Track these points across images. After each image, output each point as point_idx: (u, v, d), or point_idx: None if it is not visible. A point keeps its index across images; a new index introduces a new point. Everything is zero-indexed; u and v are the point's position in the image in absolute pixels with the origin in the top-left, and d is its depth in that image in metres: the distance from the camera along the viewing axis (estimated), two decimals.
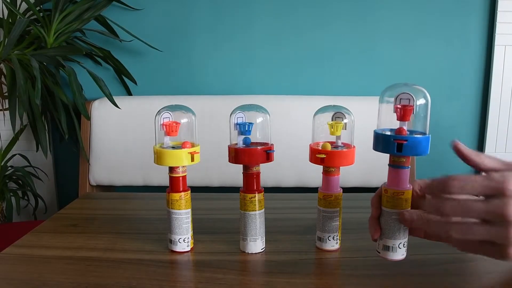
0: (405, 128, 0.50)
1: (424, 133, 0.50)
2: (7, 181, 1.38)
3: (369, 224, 0.53)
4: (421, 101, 0.49)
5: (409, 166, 0.50)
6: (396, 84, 0.51)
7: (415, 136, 0.48)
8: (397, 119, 0.50)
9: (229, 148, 0.59)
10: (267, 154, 0.58)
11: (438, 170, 1.40)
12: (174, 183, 0.60)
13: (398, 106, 0.49)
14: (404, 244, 0.51)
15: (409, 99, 0.49)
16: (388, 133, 0.51)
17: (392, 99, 0.50)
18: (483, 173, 0.44)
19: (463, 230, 0.42)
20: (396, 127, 0.51)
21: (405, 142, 0.48)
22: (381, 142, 0.50)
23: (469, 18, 1.34)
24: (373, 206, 0.53)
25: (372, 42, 1.36)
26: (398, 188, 0.50)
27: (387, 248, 0.52)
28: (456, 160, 1.50)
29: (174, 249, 0.61)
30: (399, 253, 0.52)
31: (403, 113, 0.49)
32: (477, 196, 0.42)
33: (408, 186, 0.50)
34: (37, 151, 1.41)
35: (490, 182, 0.41)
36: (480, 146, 1.40)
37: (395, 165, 0.50)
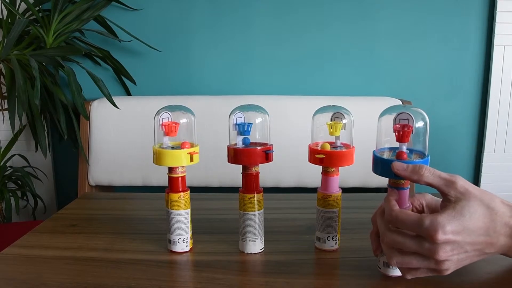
0: (404, 149, 0.50)
1: (423, 153, 0.50)
2: (6, 181, 1.37)
3: (371, 240, 0.53)
4: (420, 123, 0.49)
5: (409, 187, 0.50)
6: (395, 105, 0.51)
7: (413, 160, 0.48)
8: (396, 140, 0.50)
9: (228, 148, 0.59)
10: (266, 154, 0.58)
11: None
12: (173, 183, 0.60)
13: (397, 126, 0.49)
14: None
15: (408, 119, 0.49)
16: (387, 153, 0.51)
17: (391, 119, 0.50)
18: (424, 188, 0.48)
19: (404, 262, 0.46)
20: (395, 146, 0.51)
21: None
22: (380, 166, 0.50)
23: (469, 18, 1.34)
24: (374, 223, 0.53)
25: (372, 42, 1.36)
26: None
27: (387, 264, 0.52)
28: (456, 160, 1.50)
29: (173, 249, 0.61)
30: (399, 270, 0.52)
31: (402, 134, 0.49)
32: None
33: (408, 205, 0.51)
34: (36, 152, 1.41)
35: (421, 230, 0.43)
36: (479, 146, 1.41)
37: (394, 187, 0.50)
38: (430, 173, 0.46)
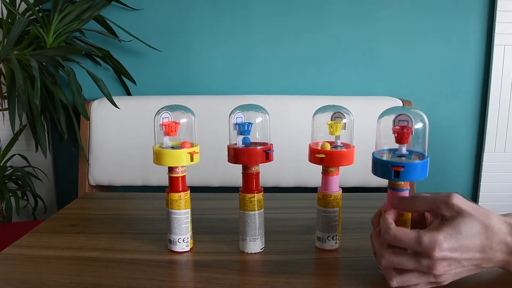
0: (404, 151, 0.50)
1: (422, 154, 0.50)
2: (7, 181, 1.37)
3: (371, 241, 0.53)
4: (419, 125, 0.49)
5: (408, 189, 0.51)
6: (394, 107, 0.51)
7: (412, 162, 0.48)
8: (396, 142, 0.50)
9: (229, 148, 0.59)
10: (267, 154, 0.58)
11: (438, 170, 1.40)
12: (174, 183, 0.60)
13: (397, 127, 0.49)
14: None
15: (407, 121, 0.49)
16: (386, 155, 0.51)
17: (390, 120, 0.50)
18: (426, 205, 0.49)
19: (404, 281, 0.46)
20: (394, 147, 0.51)
21: (402, 169, 0.48)
22: (379, 167, 0.50)
23: (469, 18, 1.34)
24: (374, 225, 0.54)
25: (372, 42, 1.36)
26: None
27: None
28: (456, 160, 1.50)
29: (174, 249, 0.61)
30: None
31: (402, 135, 0.49)
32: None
33: None
34: (36, 151, 1.41)
35: (420, 247, 0.44)
36: (479, 146, 1.41)
37: (393, 188, 0.51)
38: (421, 204, 0.47)
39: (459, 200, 0.45)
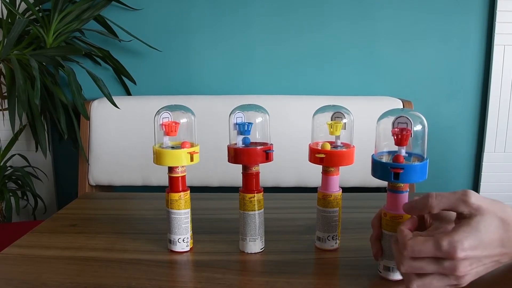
0: (403, 153, 0.50)
1: (422, 156, 0.50)
2: (7, 181, 1.37)
3: (371, 244, 0.53)
4: (418, 127, 0.49)
5: (407, 191, 0.50)
6: (393, 109, 0.51)
7: (412, 164, 0.48)
8: (395, 144, 0.50)
9: (229, 148, 0.59)
10: (267, 154, 0.58)
11: (438, 171, 1.40)
12: (174, 183, 0.60)
13: (396, 130, 0.49)
14: None
15: (407, 123, 0.49)
16: (385, 157, 0.51)
17: (390, 123, 0.50)
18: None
19: (425, 284, 0.46)
20: (393, 150, 0.51)
21: (401, 171, 0.48)
22: (379, 169, 0.50)
23: (469, 17, 1.34)
24: (373, 227, 0.53)
25: (372, 42, 1.36)
26: (397, 212, 0.50)
27: (387, 268, 0.52)
28: (456, 160, 1.50)
29: (174, 249, 0.61)
30: (400, 274, 0.52)
31: (401, 138, 0.49)
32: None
33: None
34: (36, 151, 1.40)
35: (441, 252, 0.43)
36: (479, 146, 1.41)
37: (393, 190, 0.51)
38: (438, 201, 0.46)
39: (477, 199, 0.45)
